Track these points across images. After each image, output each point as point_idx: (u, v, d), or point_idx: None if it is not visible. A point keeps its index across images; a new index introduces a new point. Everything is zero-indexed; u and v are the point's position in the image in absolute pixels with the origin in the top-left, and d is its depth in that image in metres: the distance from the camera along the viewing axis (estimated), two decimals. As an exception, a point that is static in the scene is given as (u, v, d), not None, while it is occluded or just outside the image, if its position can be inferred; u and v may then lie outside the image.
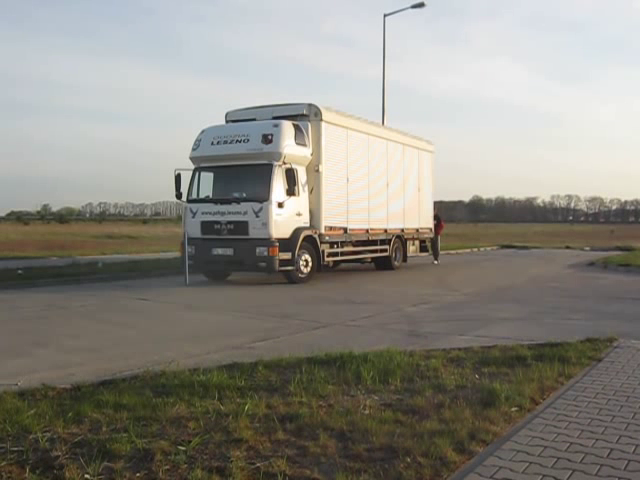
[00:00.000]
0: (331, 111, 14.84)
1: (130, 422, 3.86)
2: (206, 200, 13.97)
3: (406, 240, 18.63)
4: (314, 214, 14.18)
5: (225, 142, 13.71)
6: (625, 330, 7.41)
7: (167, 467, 3.23)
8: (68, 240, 30.23)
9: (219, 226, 13.50)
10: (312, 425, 3.87)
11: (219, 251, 13.44)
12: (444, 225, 21.91)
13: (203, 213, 13.74)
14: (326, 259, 14.72)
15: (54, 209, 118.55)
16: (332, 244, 15.02)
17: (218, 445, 3.54)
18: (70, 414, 4.02)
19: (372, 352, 5.71)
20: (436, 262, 20.43)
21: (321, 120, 14.27)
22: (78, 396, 4.51)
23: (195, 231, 13.72)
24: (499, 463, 3.27)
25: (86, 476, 3.11)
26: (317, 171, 14.23)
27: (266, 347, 6.70)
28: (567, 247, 30.83)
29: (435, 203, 21.47)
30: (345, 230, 15.27)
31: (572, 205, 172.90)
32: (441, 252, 20.72)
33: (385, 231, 17.17)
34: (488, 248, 30.55)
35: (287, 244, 13.26)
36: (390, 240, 17.44)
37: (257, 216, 13.08)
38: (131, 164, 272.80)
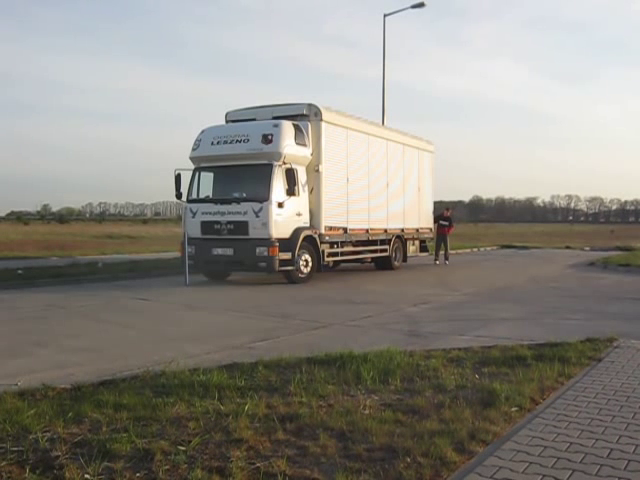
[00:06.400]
0: (331, 111, 14.84)
1: (130, 422, 3.86)
2: (206, 200, 13.97)
3: (406, 240, 18.62)
4: (314, 214, 14.17)
5: (225, 142, 13.70)
6: (625, 330, 7.41)
7: (167, 467, 3.23)
8: (68, 240, 30.20)
9: (219, 226, 13.49)
10: (312, 425, 3.87)
11: (219, 251, 13.43)
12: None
13: (203, 213, 13.74)
14: (326, 259, 14.71)
15: (54, 209, 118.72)
16: (332, 244, 15.01)
17: (218, 445, 3.54)
18: (70, 414, 4.02)
19: (372, 352, 5.71)
20: (447, 262, 20.33)
21: (321, 120, 14.26)
22: (78, 396, 4.51)
23: (195, 231, 13.71)
24: (499, 463, 3.27)
25: (86, 476, 3.11)
26: (317, 171, 14.22)
27: (266, 347, 6.70)
28: (567, 247, 30.81)
29: (435, 203, 21.47)
30: (345, 230, 15.26)
31: (572, 205, 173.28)
32: (440, 252, 20.69)
33: (385, 231, 17.17)
34: (488, 248, 30.54)
35: (287, 244, 13.25)
36: (390, 240, 17.44)
37: (257, 216, 13.08)
38: (131, 164, 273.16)
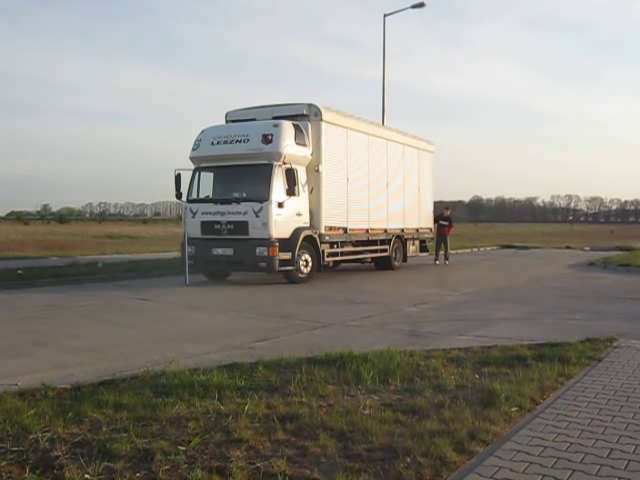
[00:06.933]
0: (331, 111, 14.84)
1: (130, 422, 3.86)
2: (206, 200, 13.97)
3: (406, 240, 18.62)
4: (314, 214, 14.17)
5: (225, 142, 13.70)
6: (625, 330, 7.41)
7: (167, 467, 3.23)
8: (68, 240, 30.20)
9: (219, 226, 13.49)
10: (312, 425, 3.87)
11: (219, 251, 13.43)
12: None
13: (203, 213, 13.74)
14: (326, 259, 14.71)
15: (54, 209, 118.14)
16: (332, 244, 15.00)
17: (218, 445, 3.54)
18: (70, 414, 4.01)
19: (372, 352, 5.71)
20: (447, 262, 20.31)
21: (321, 120, 14.26)
22: (78, 396, 4.51)
23: (195, 231, 13.71)
24: (499, 463, 3.27)
25: (86, 476, 3.11)
26: (317, 171, 14.22)
27: (266, 347, 6.70)
28: (567, 247, 30.81)
29: (435, 203, 21.47)
30: (345, 230, 15.26)
31: (572, 205, 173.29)
32: (440, 252, 20.68)
33: (385, 231, 17.16)
34: (488, 248, 30.54)
35: (287, 244, 13.25)
36: (390, 240, 17.43)
37: (257, 216, 13.08)
38: (131, 164, 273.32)
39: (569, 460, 3.32)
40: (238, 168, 13.65)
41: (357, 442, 3.59)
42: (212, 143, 13.85)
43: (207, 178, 14.37)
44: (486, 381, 4.90)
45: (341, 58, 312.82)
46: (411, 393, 4.61)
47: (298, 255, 13.51)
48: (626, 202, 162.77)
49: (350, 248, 15.95)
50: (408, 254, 18.81)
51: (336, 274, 16.39)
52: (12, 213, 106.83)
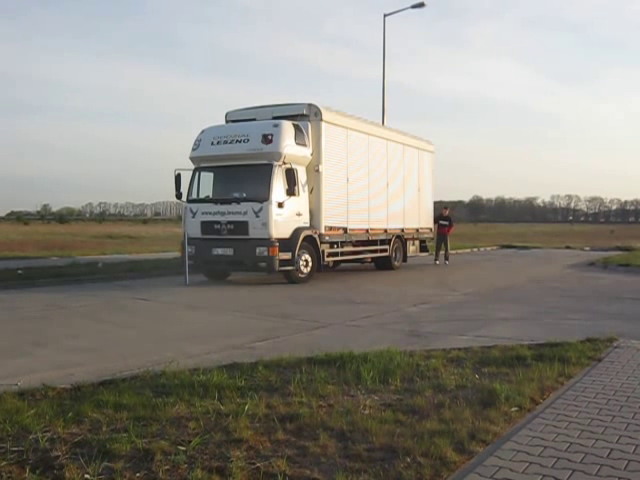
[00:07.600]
0: (331, 111, 14.84)
1: (130, 422, 3.86)
2: (206, 200, 13.97)
3: (406, 240, 18.61)
4: (314, 214, 14.17)
5: (225, 142, 13.70)
6: (625, 330, 7.41)
7: (167, 467, 3.23)
8: (68, 240, 30.20)
9: (219, 226, 13.49)
10: (312, 425, 3.87)
11: (219, 251, 13.43)
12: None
13: (203, 213, 13.74)
14: (326, 259, 14.71)
15: (54, 209, 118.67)
16: (332, 244, 15.00)
17: (218, 445, 3.54)
18: (70, 414, 4.01)
19: (372, 352, 5.71)
20: (447, 262, 20.31)
21: (321, 120, 14.26)
22: (78, 396, 4.51)
23: (195, 231, 13.71)
24: (499, 463, 3.27)
25: (86, 476, 3.11)
26: (317, 171, 14.22)
27: (266, 347, 6.70)
28: (567, 247, 30.80)
29: (435, 203, 21.47)
30: (345, 230, 15.26)
31: (572, 205, 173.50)
32: (440, 252, 20.67)
33: (385, 231, 17.16)
34: (488, 248, 30.53)
35: (287, 244, 13.25)
36: (390, 240, 17.43)
37: (257, 216, 13.08)
38: (131, 164, 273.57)
39: (569, 460, 3.32)
40: (238, 168, 13.65)
41: (357, 442, 3.59)
42: (212, 143, 13.85)
43: (207, 178, 14.37)
44: (486, 381, 4.90)
45: (341, 58, 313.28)
46: (411, 393, 4.61)
47: (298, 255, 13.51)
48: (626, 202, 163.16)
49: (350, 248, 15.95)
50: (408, 254, 18.81)
51: (336, 274, 16.39)
52: (12, 213, 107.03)
